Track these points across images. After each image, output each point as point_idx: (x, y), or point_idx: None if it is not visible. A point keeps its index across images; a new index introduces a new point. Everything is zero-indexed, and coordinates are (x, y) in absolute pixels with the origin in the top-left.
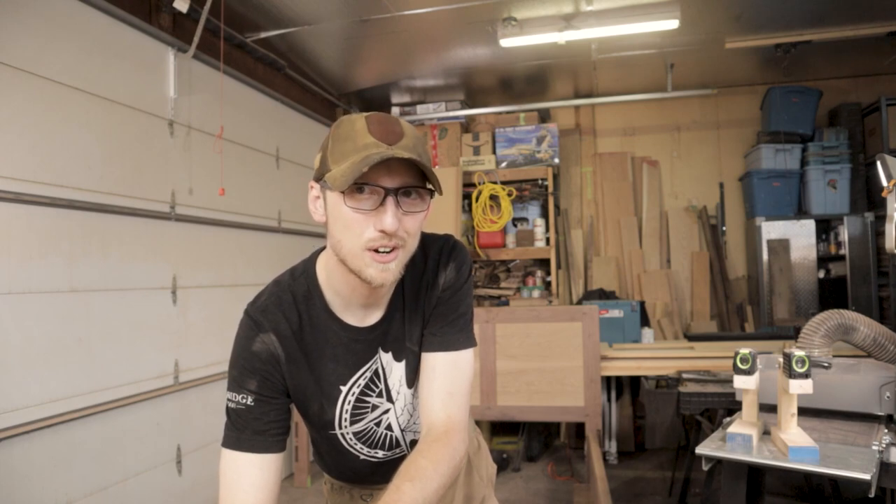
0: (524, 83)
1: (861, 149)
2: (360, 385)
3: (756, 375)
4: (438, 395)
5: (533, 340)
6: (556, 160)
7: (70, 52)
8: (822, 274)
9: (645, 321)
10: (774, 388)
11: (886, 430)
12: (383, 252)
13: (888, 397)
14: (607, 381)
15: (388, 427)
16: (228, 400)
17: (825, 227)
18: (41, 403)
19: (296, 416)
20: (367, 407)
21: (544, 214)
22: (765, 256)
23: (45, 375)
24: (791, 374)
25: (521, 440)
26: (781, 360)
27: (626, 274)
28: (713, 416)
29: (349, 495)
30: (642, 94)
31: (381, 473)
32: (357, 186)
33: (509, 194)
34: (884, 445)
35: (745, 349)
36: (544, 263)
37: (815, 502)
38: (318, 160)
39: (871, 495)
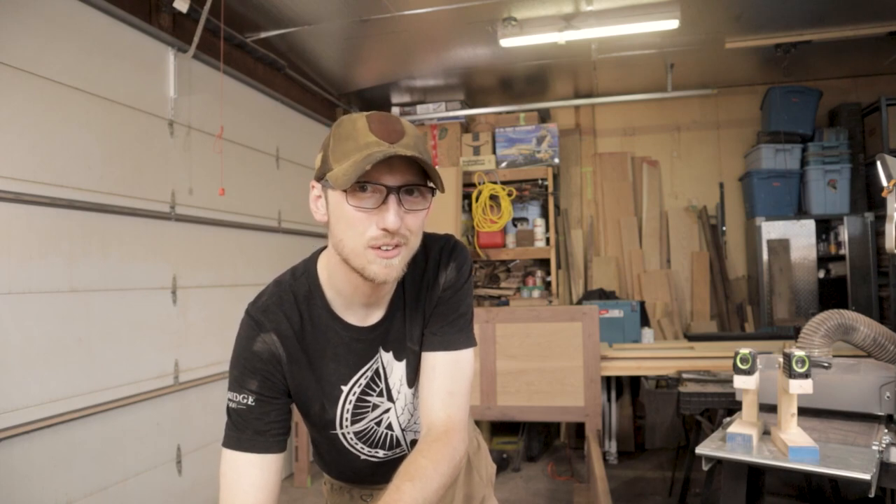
0: (524, 83)
1: (861, 149)
2: (360, 385)
3: (756, 375)
4: (438, 395)
5: (533, 340)
6: (556, 160)
7: (70, 52)
8: (822, 274)
9: (645, 321)
10: (774, 388)
11: (886, 430)
12: (386, 248)
13: (888, 397)
14: (607, 381)
15: (389, 426)
16: (229, 400)
17: (825, 227)
18: (41, 403)
19: (296, 416)
20: (368, 406)
21: (544, 214)
22: (765, 256)
23: (45, 375)
24: (791, 374)
25: (521, 440)
26: (781, 360)
27: (626, 274)
28: (713, 416)
29: (349, 495)
30: (642, 94)
31: (382, 473)
32: (359, 185)
33: (509, 194)
34: (884, 445)
35: (745, 349)
36: (544, 263)
37: (815, 502)
38: (320, 159)
39: (871, 495)
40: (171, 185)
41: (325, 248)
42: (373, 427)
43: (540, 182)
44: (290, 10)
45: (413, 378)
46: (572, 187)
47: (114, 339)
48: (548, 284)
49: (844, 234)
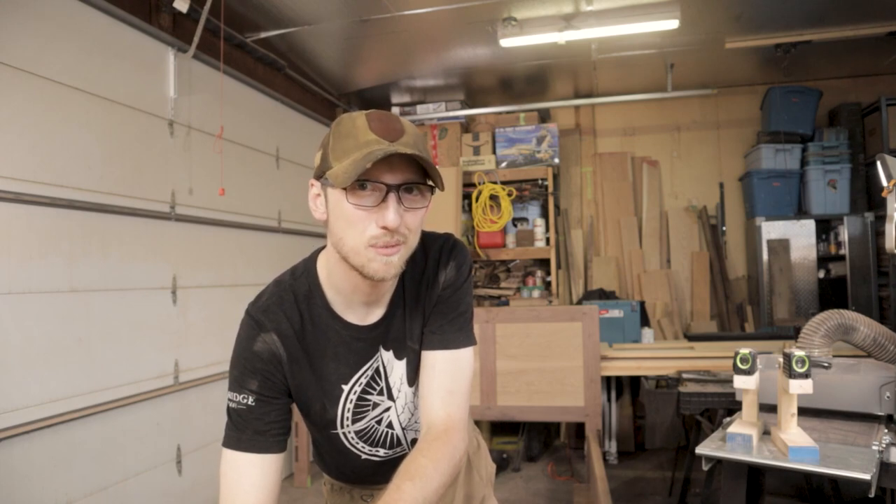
0: (524, 83)
1: (861, 149)
2: (361, 384)
3: (756, 375)
4: (438, 394)
5: (533, 340)
6: (556, 160)
7: (70, 52)
8: (822, 274)
9: (645, 321)
10: (774, 388)
11: (886, 430)
12: (386, 247)
13: (888, 397)
14: (607, 381)
15: (389, 425)
16: (229, 400)
17: (825, 227)
18: (41, 403)
19: (296, 416)
20: (369, 405)
21: (544, 214)
22: (765, 256)
23: (45, 375)
24: (791, 374)
25: (521, 440)
26: (781, 360)
27: (626, 274)
28: (713, 416)
29: (349, 496)
30: (642, 94)
31: (382, 473)
32: (359, 183)
33: (509, 194)
34: (884, 445)
35: (745, 349)
36: (544, 263)
37: (815, 502)
38: (319, 158)
39: (871, 495)
40: (171, 185)
41: (324, 247)
42: (373, 426)
43: (540, 182)
44: (290, 10)
45: (413, 377)
46: (572, 187)
47: (114, 339)
48: (548, 284)
49: (844, 234)
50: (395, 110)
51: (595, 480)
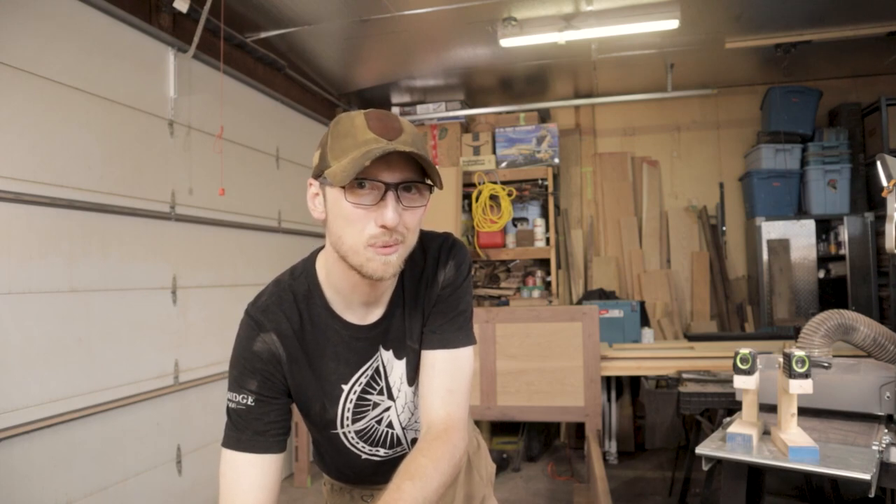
0: (524, 83)
1: (861, 149)
2: (361, 384)
3: (756, 375)
4: (438, 393)
5: (533, 340)
6: (556, 160)
7: (70, 52)
8: (822, 274)
9: (645, 321)
10: (774, 388)
11: (886, 430)
12: (385, 245)
13: (888, 397)
14: (607, 381)
15: (390, 425)
16: (229, 400)
17: (825, 227)
18: (41, 403)
19: (296, 416)
20: (369, 405)
21: (544, 214)
22: (765, 256)
23: (45, 375)
24: (791, 374)
25: (521, 440)
26: (781, 360)
27: (626, 274)
28: (713, 416)
29: (349, 496)
30: (642, 94)
31: (382, 473)
32: (358, 182)
33: (509, 194)
34: (884, 445)
35: (745, 349)
36: (544, 263)
37: (815, 502)
38: (317, 157)
39: (871, 495)
40: (171, 185)
41: (323, 247)
42: (373, 426)
43: (540, 182)
44: (290, 10)
45: (413, 376)
46: (572, 187)
47: (114, 339)
48: (548, 284)
49: (844, 234)
50: (395, 110)
51: (595, 480)
